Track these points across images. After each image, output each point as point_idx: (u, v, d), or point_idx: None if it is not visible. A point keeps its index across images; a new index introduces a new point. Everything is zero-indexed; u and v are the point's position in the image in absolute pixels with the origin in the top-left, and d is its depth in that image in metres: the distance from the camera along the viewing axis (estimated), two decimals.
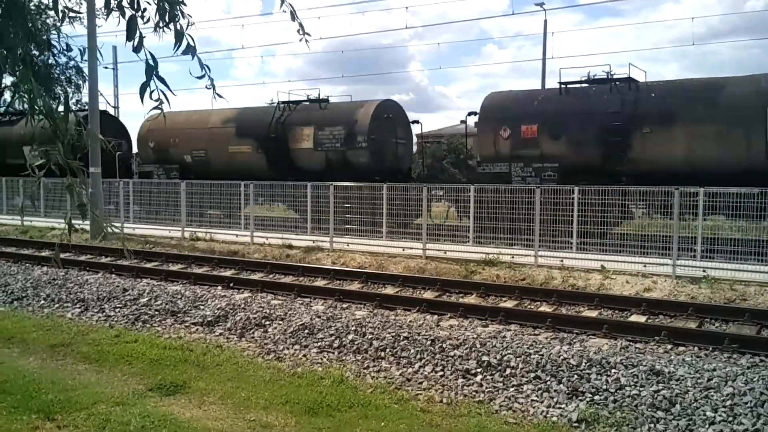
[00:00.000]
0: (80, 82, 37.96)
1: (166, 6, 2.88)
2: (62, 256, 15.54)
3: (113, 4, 2.88)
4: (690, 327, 9.10)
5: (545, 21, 34.50)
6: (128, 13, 2.90)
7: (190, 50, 2.97)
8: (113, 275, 13.16)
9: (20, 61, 3.07)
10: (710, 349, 8.13)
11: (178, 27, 2.92)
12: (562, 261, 12.79)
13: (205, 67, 3.03)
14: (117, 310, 10.85)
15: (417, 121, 22.23)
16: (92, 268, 13.99)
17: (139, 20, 2.91)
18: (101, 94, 25.76)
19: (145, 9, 2.91)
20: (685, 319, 9.53)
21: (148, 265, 14.41)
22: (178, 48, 2.95)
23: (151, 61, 2.90)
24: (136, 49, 2.90)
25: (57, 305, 11.41)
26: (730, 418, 6.10)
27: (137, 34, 2.89)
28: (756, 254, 11.71)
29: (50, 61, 3.37)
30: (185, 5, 2.94)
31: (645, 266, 12.06)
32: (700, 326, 9.29)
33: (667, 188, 12.49)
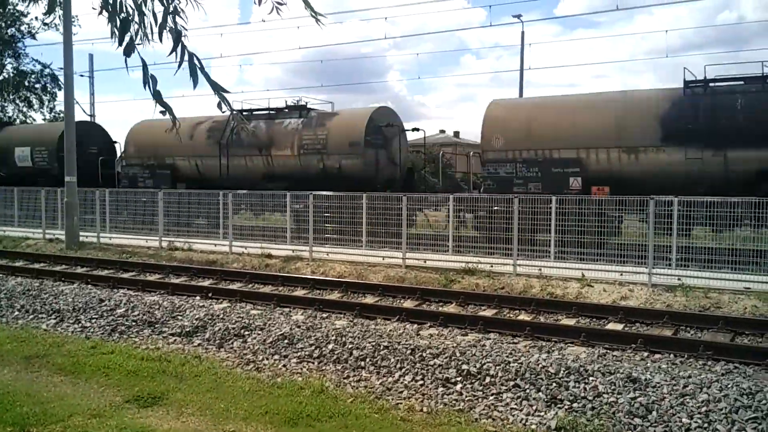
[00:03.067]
0: (56, 90, 37.60)
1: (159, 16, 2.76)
2: (36, 266, 15.33)
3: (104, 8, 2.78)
4: (666, 334, 9.23)
5: (522, 32, 34.74)
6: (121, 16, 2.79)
7: (190, 64, 2.82)
8: (89, 285, 12.99)
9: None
10: (685, 356, 8.25)
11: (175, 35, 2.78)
12: (540, 270, 12.90)
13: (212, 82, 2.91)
14: (93, 320, 10.70)
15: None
16: (67, 278, 13.80)
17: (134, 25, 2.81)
18: (77, 102, 25.84)
19: (141, 13, 2.79)
20: (661, 327, 9.66)
21: (125, 275, 14.26)
22: (177, 59, 2.82)
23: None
24: (127, 52, 2.81)
25: (32, 316, 11.22)
26: (706, 425, 6.19)
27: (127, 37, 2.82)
28: (730, 263, 11.94)
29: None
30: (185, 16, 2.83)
31: (622, 275, 12.21)
32: (676, 334, 9.42)
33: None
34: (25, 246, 19.38)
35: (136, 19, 2.82)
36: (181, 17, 2.82)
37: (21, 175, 26.29)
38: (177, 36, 2.76)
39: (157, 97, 2.89)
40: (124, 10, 2.80)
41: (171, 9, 2.77)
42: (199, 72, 2.80)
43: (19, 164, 26.77)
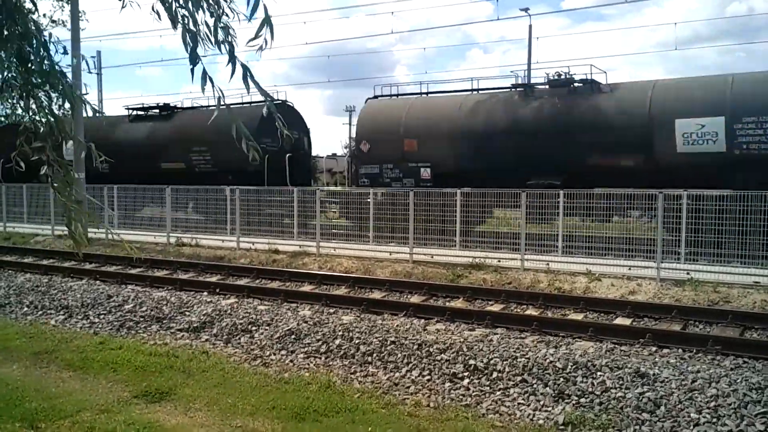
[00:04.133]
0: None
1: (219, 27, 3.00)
2: (45, 262, 15.41)
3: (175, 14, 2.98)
4: (674, 329, 9.18)
5: (530, 26, 34.50)
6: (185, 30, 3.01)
7: (249, 78, 3.04)
8: (98, 281, 13.05)
9: (16, 58, 3.08)
10: (694, 351, 8.20)
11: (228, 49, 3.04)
12: (548, 264, 12.85)
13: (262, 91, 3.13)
14: (102, 316, 10.75)
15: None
16: (76, 274, 13.86)
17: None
18: (86, 100, 25.54)
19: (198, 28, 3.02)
20: (669, 322, 9.61)
21: (133, 271, 14.31)
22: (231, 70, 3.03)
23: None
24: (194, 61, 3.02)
25: (40, 312, 11.29)
26: (714, 420, 6.16)
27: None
28: (739, 257, 11.86)
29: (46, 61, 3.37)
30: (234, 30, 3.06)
31: (630, 269, 12.15)
32: (684, 328, 9.37)
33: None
34: (34, 242, 19.49)
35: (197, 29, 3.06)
36: (230, 32, 3.08)
37: (684, 166, 14.45)
38: (230, 49, 3.03)
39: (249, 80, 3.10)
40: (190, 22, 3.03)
41: (221, 24, 3.04)
42: (250, 81, 3.06)
43: (684, 148, 14.39)
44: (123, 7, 3.12)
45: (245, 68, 3.02)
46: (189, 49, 3.02)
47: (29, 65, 3.18)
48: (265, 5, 2.97)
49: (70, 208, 3.30)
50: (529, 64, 31.47)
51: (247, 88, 3.04)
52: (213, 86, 3.03)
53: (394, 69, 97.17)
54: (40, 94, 3.33)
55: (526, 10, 31.35)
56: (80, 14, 19.03)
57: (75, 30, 18.73)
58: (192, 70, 3.05)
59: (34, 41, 3.18)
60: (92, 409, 6.53)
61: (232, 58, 3.00)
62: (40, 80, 3.17)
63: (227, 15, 3.07)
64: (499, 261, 13.28)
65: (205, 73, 3.05)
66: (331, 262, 14.49)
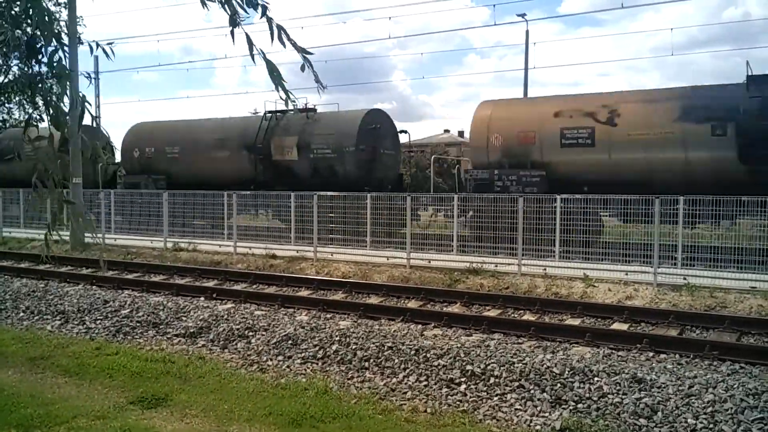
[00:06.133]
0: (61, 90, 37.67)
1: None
2: (41, 268, 15.37)
3: None
4: (671, 334, 9.18)
5: (527, 31, 34.51)
6: None
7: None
8: (94, 287, 13.01)
9: (25, 45, 3.13)
10: (691, 356, 8.21)
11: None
12: (545, 269, 12.86)
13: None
14: (98, 322, 10.72)
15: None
16: (73, 279, 13.83)
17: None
18: (86, 100, 25.17)
19: None
20: (666, 327, 9.61)
21: (130, 276, 14.28)
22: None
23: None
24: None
25: (37, 317, 11.25)
26: (711, 425, 6.15)
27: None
28: (735, 262, 11.87)
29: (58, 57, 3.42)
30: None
31: (627, 274, 12.16)
32: (681, 334, 9.38)
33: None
34: (30, 247, 19.43)
35: None
36: None
37: None
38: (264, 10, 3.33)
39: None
40: None
41: None
42: (285, 39, 3.37)
43: None
44: None
45: (280, 28, 3.31)
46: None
47: (38, 55, 3.25)
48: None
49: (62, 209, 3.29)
50: (526, 69, 31.57)
51: (283, 44, 3.32)
52: (253, 49, 3.31)
53: (392, 74, 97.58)
54: (51, 86, 3.38)
55: (522, 15, 31.45)
56: (78, 19, 19.06)
57: (72, 35, 18.74)
58: (232, 32, 3.38)
59: (45, 29, 3.23)
60: (88, 415, 6.50)
61: (269, 20, 3.29)
62: (48, 72, 3.23)
63: None
64: (496, 266, 13.28)
65: (249, 39, 3.33)
66: (329, 266, 14.47)
